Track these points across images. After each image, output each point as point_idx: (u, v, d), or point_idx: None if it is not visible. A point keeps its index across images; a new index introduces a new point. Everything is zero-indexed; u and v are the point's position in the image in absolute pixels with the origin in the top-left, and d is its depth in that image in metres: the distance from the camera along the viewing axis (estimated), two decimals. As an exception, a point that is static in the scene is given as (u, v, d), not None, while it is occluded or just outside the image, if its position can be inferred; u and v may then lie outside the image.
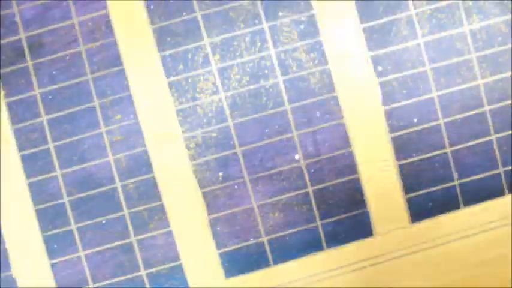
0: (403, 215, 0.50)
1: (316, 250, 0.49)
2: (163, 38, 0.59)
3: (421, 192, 0.50)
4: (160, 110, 0.51)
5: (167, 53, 0.58)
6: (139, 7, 0.57)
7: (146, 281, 0.52)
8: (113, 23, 0.55)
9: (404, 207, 0.50)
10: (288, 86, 0.60)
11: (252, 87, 0.59)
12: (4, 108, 0.50)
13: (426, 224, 0.50)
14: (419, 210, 0.51)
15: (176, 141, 0.52)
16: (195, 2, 0.61)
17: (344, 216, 0.50)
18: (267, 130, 0.51)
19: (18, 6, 0.55)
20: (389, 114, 0.52)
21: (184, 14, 0.58)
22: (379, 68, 0.52)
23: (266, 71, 0.58)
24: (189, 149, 0.52)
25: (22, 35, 0.53)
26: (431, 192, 0.50)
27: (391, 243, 0.50)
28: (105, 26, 0.54)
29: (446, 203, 0.51)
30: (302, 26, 0.62)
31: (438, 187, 0.50)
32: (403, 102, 0.52)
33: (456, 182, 0.50)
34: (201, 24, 0.58)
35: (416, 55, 0.60)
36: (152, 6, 0.54)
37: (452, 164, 0.51)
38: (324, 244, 0.49)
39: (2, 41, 0.55)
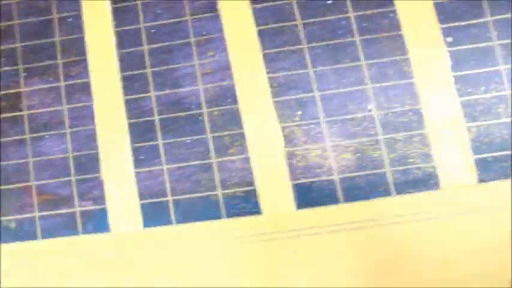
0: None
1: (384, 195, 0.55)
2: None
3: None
4: (248, 52, 0.62)
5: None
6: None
7: (221, 200, 0.59)
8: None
9: None
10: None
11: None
12: (112, 34, 0.62)
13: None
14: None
15: (261, 81, 0.63)
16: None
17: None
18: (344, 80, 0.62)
19: None
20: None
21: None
22: None
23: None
24: (272, 87, 0.63)
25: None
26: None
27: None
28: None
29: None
30: None
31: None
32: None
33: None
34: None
35: None
36: None
37: None
38: (394, 191, 0.55)
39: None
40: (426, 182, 0.54)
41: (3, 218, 0.61)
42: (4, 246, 0.61)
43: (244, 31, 0.65)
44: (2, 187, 0.63)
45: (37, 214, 0.62)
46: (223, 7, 0.67)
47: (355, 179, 0.54)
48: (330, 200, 0.54)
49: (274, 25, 0.65)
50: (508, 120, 0.63)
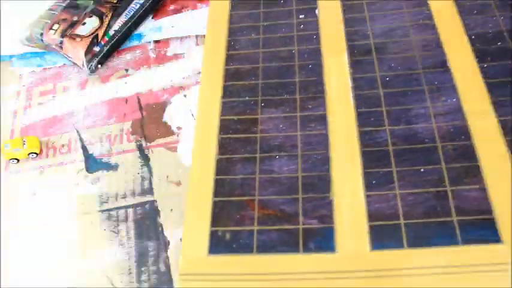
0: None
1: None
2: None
3: None
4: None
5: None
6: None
7: (457, 226, 0.58)
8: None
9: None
10: None
11: None
12: (349, 79, 0.71)
13: None
14: None
15: (489, 123, 0.68)
16: None
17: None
18: None
19: None
20: None
21: None
22: None
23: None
24: (503, 129, 0.67)
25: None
26: None
27: None
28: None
29: None
30: None
31: None
32: None
33: None
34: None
35: None
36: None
37: None
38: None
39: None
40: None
41: (218, 228, 0.61)
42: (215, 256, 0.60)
43: (472, 82, 0.71)
44: (222, 198, 0.64)
45: (256, 228, 0.61)
46: (452, 64, 0.74)
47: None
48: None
49: (503, 79, 0.70)
50: None
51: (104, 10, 0.80)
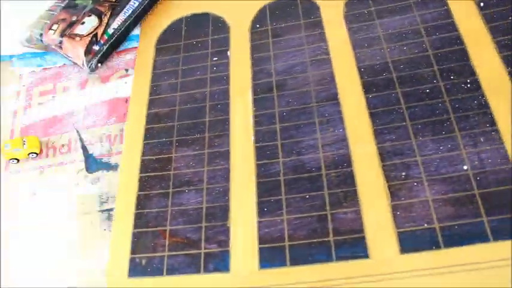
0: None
1: (482, 241, 0.59)
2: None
3: None
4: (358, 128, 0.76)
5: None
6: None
7: (333, 245, 0.67)
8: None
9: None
10: None
11: None
12: (251, 115, 0.80)
13: None
14: None
15: (369, 150, 0.76)
16: None
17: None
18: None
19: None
20: None
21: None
22: None
23: None
24: (380, 154, 0.76)
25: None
26: None
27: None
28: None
29: None
30: None
31: None
32: None
33: None
34: None
35: None
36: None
37: None
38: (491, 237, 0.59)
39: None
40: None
41: (136, 256, 0.72)
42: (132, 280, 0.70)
43: (358, 113, 0.78)
44: (140, 230, 0.75)
45: (166, 254, 0.72)
46: (342, 96, 0.82)
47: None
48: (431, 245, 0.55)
49: (384, 108, 0.77)
50: None
51: (102, 9, 0.80)
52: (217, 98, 0.73)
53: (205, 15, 0.84)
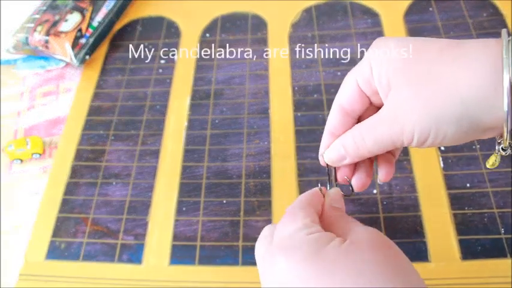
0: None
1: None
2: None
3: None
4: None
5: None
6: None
7: (240, 250, 0.71)
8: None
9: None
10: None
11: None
12: (186, 120, 0.83)
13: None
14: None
15: (289, 164, 0.80)
16: None
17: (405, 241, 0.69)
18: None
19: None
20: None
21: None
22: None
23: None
24: (299, 170, 0.80)
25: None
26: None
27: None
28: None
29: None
30: None
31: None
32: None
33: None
34: None
35: None
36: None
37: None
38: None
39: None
40: None
41: (56, 239, 0.76)
42: (49, 262, 0.74)
43: (285, 128, 0.82)
44: (64, 215, 0.78)
45: (85, 240, 0.76)
46: (273, 111, 0.86)
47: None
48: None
49: (309, 127, 0.81)
50: None
51: (83, 5, 0.81)
52: (157, 99, 0.76)
53: (160, 19, 0.88)
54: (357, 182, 0.38)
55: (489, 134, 0.32)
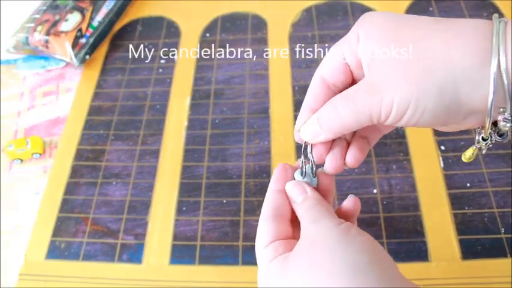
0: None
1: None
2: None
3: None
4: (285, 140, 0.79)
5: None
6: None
7: (240, 250, 0.71)
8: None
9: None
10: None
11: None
12: (186, 118, 0.81)
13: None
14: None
15: (290, 163, 0.80)
16: None
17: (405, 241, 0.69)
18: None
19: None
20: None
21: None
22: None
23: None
24: None
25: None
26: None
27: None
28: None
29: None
30: None
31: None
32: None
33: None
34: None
35: None
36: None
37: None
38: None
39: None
40: None
41: (56, 239, 0.76)
42: (49, 261, 0.74)
43: (285, 128, 0.82)
44: (64, 215, 0.78)
45: (85, 240, 0.76)
46: (273, 111, 0.86)
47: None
48: None
49: None
50: None
51: (83, 5, 0.81)
52: (157, 99, 0.76)
53: (160, 19, 0.87)
54: (330, 163, 0.36)
55: (470, 121, 0.31)
